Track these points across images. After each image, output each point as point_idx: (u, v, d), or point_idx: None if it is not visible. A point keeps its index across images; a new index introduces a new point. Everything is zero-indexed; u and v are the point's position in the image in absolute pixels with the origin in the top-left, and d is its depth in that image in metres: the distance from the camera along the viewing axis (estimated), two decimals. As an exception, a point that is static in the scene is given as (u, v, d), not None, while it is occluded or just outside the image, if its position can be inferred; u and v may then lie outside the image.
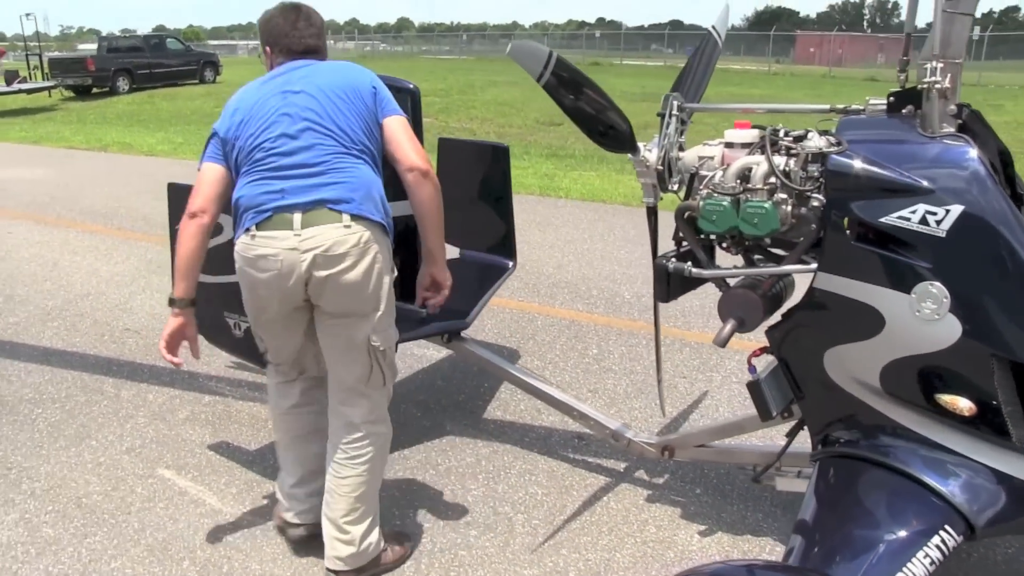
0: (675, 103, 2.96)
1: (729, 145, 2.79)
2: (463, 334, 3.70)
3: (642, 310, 5.57)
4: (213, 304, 3.19)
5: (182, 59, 26.52)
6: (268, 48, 2.79)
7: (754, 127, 2.78)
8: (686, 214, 2.77)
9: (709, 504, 3.30)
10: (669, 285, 2.87)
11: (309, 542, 2.87)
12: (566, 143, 13.83)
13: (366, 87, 2.67)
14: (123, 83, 23.85)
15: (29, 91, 22.33)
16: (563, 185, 9.77)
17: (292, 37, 2.73)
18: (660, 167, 2.89)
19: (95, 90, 23.82)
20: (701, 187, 2.76)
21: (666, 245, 2.90)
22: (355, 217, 2.49)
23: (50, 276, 6.05)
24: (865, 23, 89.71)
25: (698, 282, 2.89)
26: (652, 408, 4.12)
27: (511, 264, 4.22)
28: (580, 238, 7.39)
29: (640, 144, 2.87)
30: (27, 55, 26.73)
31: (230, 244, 2.96)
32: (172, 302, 2.61)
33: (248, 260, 2.56)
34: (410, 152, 2.61)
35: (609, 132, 2.79)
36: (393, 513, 3.18)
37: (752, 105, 3.27)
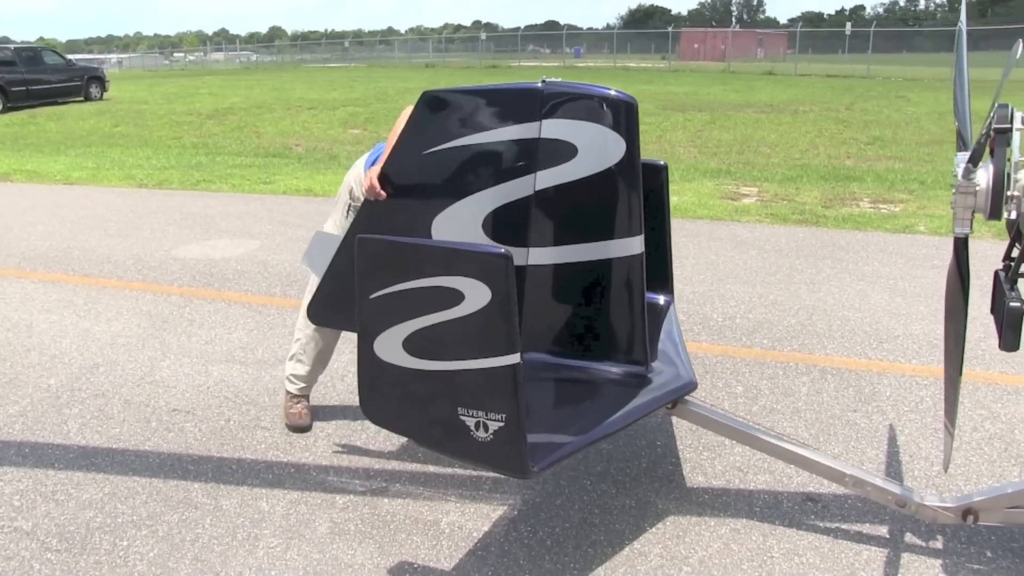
0: (1020, 115, 2.50)
1: None
2: (688, 396, 2.99)
3: (742, 334, 4.99)
4: (437, 400, 2.37)
5: (64, 74, 24.19)
6: None
7: None
8: None
9: (1013, 569, 2.78)
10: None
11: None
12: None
13: None
14: (-4, 101, 21.53)
15: None
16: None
17: None
18: (1016, 192, 2.46)
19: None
20: None
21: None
22: None
23: (32, 344, 4.92)
24: (733, 18, 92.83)
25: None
26: (851, 453, 3.54)
27: (667, 300, 3.55)
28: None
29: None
30: None
31: (458, 322, 2.22)
32: None
33: None
34: None
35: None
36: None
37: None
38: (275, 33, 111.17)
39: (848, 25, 40.21)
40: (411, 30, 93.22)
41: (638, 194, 2.82)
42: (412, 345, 2.35)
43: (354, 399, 4.04)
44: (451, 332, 2.28)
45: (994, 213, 2.54)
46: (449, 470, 3.41)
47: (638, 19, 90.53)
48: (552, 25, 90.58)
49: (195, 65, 59.87)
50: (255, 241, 7.19)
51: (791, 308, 5.44)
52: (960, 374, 2.74)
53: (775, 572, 2.78)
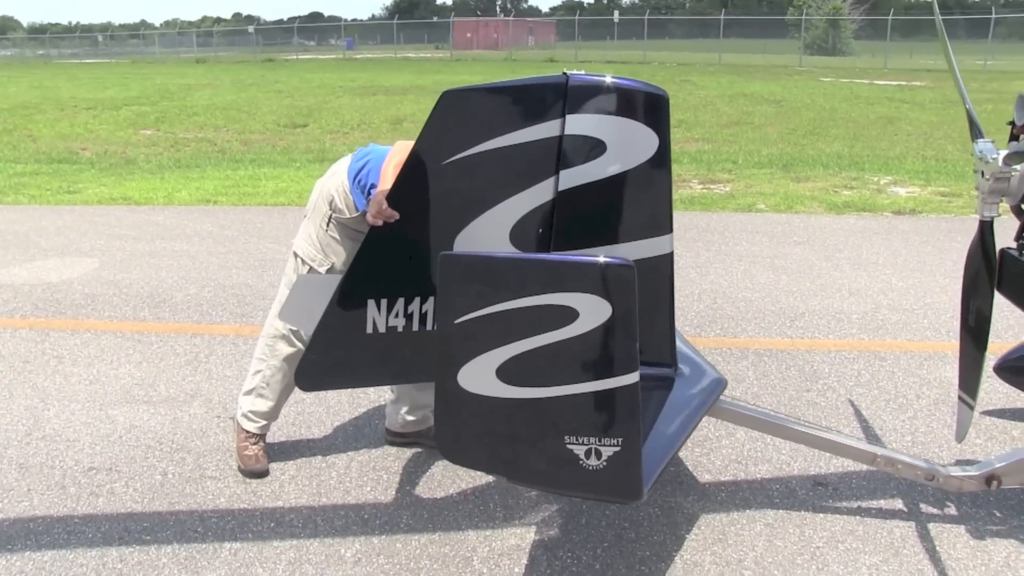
0: None
1: None
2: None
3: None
4: (540, 430, 2.10)
5: None
6: None
7: None
8: None
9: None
10: None
11: None
12: (325, 145, 12.63)
13: None
14: None
15: None
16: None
17: None
18: None
19: None
20: None
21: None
22: None
23: None
24: (497, 8, 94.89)
25: None
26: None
27: None
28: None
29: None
30: None
31: (570, 343, 2.00)
32: None
33: None
34: None
35: None
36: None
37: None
38: (7, 24, 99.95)
39: (616, 13, 42.33)
40: (167, 23, 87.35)
41: (669, 190, 2.67)
42: (509, 372, 2.06)
43: (302, 432, 3.63)
44: (560, 354, 2.02)
45: None
46: (445, 496, 3.12)
47: (404, 9, 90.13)
48: (317, 16, 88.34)
49: (-90, 60, 52.52)
50: (91, 259, 6.31)
51: (693, 293, 5.53)
52: (985, 349, 2.84)
53: (829, 562, 2.76)
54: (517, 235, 2.64)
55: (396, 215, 2.57)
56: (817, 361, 4.41)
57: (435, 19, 60.05)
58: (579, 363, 2.03)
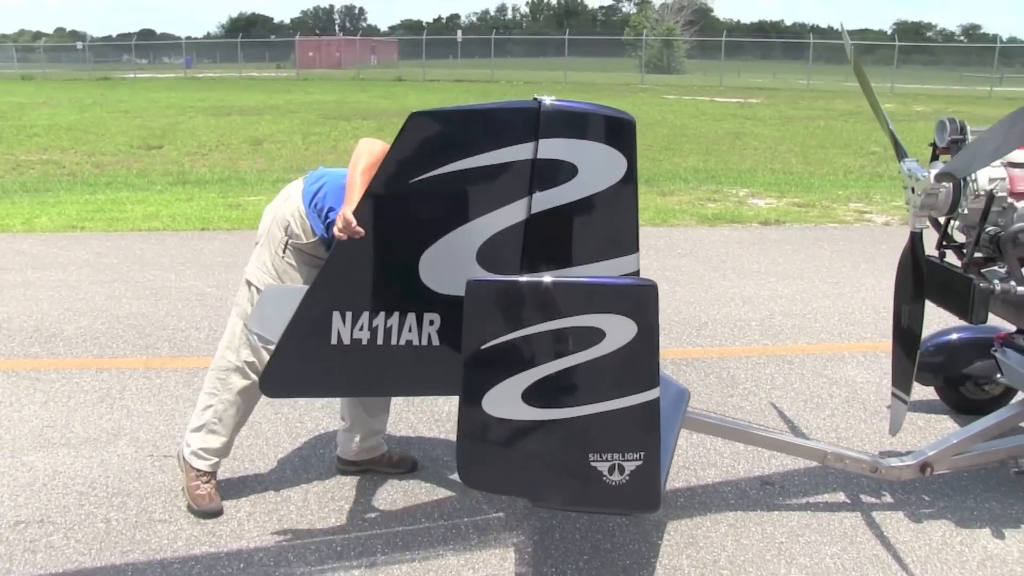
0: (969, 126, 2.95)
1: (1015, 165, 2.98)
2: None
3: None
4: (565, 450, 2.13)
5: None
6: None
7: None
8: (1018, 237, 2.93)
9: (949, 505, 3.27)
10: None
11: None
12: (184, 167, 12.13)
13: None
14: None
15: None
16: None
17: None
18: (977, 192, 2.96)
19: None
20: None
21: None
22: None
23: None
24: (337, 27, 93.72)
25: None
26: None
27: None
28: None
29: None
30: None
31: (596, 362, 2.06)
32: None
33: None
34: None
35: None
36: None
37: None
38: None
39: (459, 32, 42.82)
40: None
41: (636, 211, 2.78)
42: (535, 395, 2.09)
43: (245, 467, 3.48)
44: (587, 374, 2.07)
45: (952, 210, 2.93)
46: (413, 521, 3.08)
47: (240, 27, 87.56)
48: (149, 33, 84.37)
49: None
50: (-46, 295, 5.79)
51: (601, 305, 5.69)
52: (917, 348, 3.09)
53: (795, 555, 2.93)
54: (485, 255, 2.67)
55: (362, 232, 2.55)
56: (731, 367, 4.66)
57: (273, 37, 58.73)
58: (605, 382, 2.08)
